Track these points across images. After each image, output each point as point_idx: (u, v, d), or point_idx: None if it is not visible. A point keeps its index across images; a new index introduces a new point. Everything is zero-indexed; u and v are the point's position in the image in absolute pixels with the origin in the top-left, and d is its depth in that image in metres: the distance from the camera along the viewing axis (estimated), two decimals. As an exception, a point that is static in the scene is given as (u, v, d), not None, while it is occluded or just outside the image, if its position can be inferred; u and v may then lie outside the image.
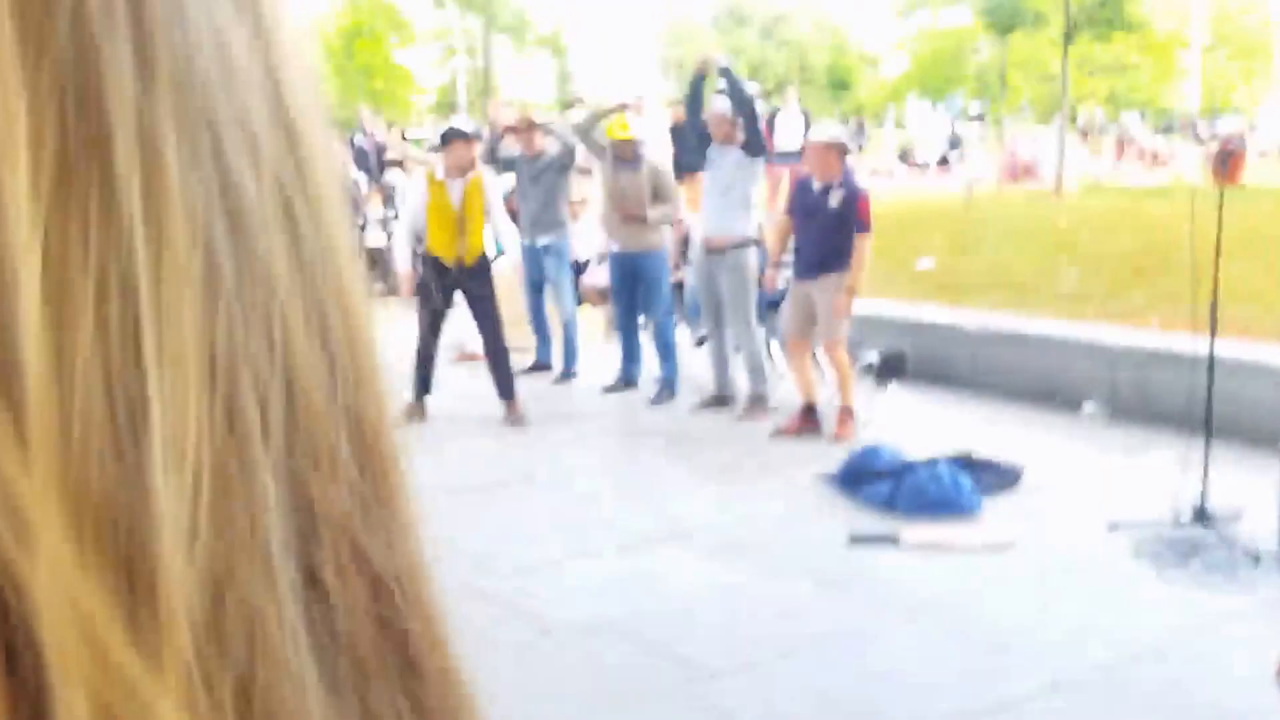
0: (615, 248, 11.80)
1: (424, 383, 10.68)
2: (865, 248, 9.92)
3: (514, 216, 13.57)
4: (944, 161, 38.71)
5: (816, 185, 10.06)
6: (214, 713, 0.30)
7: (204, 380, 0.31)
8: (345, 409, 0.36)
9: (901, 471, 8.24)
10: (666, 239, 12.05)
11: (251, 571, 0.31)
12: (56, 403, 0.29)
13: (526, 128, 12.40)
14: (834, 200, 9.87)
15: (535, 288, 12.49)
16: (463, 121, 14.07)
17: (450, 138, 10.86)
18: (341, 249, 0.37)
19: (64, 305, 0.29)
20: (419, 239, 10.87)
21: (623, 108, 12.56)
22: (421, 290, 10.71)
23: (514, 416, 10.57)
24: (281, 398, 0.33)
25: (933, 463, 8.34)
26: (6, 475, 0.28)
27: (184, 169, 0.31)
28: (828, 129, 10.78)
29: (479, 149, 12.36)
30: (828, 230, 9.83)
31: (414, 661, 0.39)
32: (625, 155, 11.45)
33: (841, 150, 10.26)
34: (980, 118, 45.00)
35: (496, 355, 10.75)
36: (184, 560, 0.30)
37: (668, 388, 11.44)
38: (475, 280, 10.56)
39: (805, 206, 10.08)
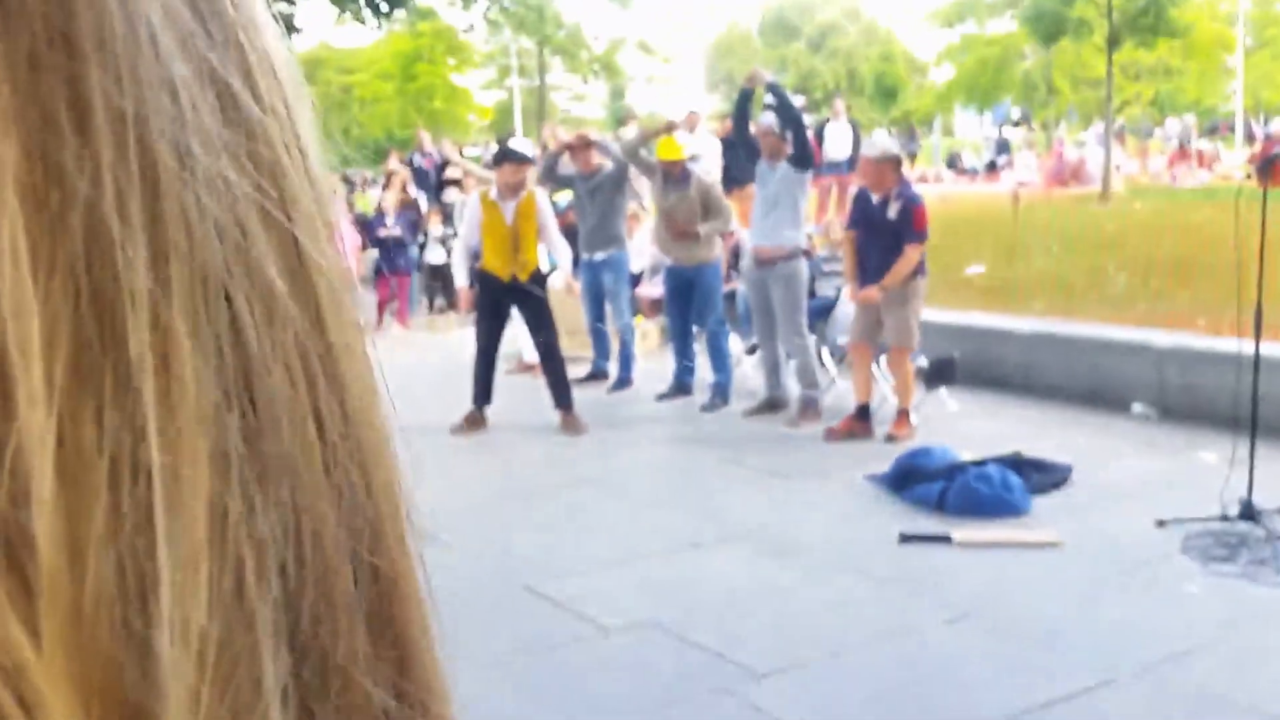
0: (669, 262, 11.85)
1: (484, 393, 10.77)
2: (912, 256, 9.93)
3: (573, 231, 13.67)
4: (992, 167, 38.58)
5: (875, 198, 10.10)
6: None
7: (213, 560, 0.31)
8: (364, 568, 0.36)
9: (951, 472, 8.24)
10: (719, 251, 12.09)
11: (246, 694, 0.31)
12: (68, 586, 0.28)
13: (582, 146, 12.46)
14: (892, 212, 9.90)
15: (594, 300, 12.59)
16: (520, 142, 14.15)
17: (502, 159, 10.94)
18: (368, 412, 0.37)
19: (77, 490, 0.29)
20: (475, 256, 10.95)
21: (671, 128, 12.62)
22: (479, 305, 10.77)
23: (570, 426, 10.61)
24: (295, 570, 0.33)
25: (982, 464, 8.34)
26: (19, 659, 0.28)
27: (197, 357, 0.31)
28: (880, 143, 10.81)
29: (536, 167, 12.48)
30: (888, 241, 9.86)
31: None
32: (674, 174, 11.53)
33: (896, 163, 10.31)
34: (1023, 123, 44.86)
35: (552, 366, 10.81)
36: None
37: (720, 394, 11.47)
38: (530, 295, 10.62)
39: (866, 219, 10.12)
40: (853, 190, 10.25)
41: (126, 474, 0.29)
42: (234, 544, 0.31)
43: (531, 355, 13.15)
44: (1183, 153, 33.20)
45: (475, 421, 10.73)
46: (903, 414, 10.04)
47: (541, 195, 10.92)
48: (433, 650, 0.39)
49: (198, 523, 0.30)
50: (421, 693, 0.37)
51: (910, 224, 9.90)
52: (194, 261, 0.31)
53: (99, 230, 0.29)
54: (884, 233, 9.87)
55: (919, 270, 9.95)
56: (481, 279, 10.75)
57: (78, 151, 0.29)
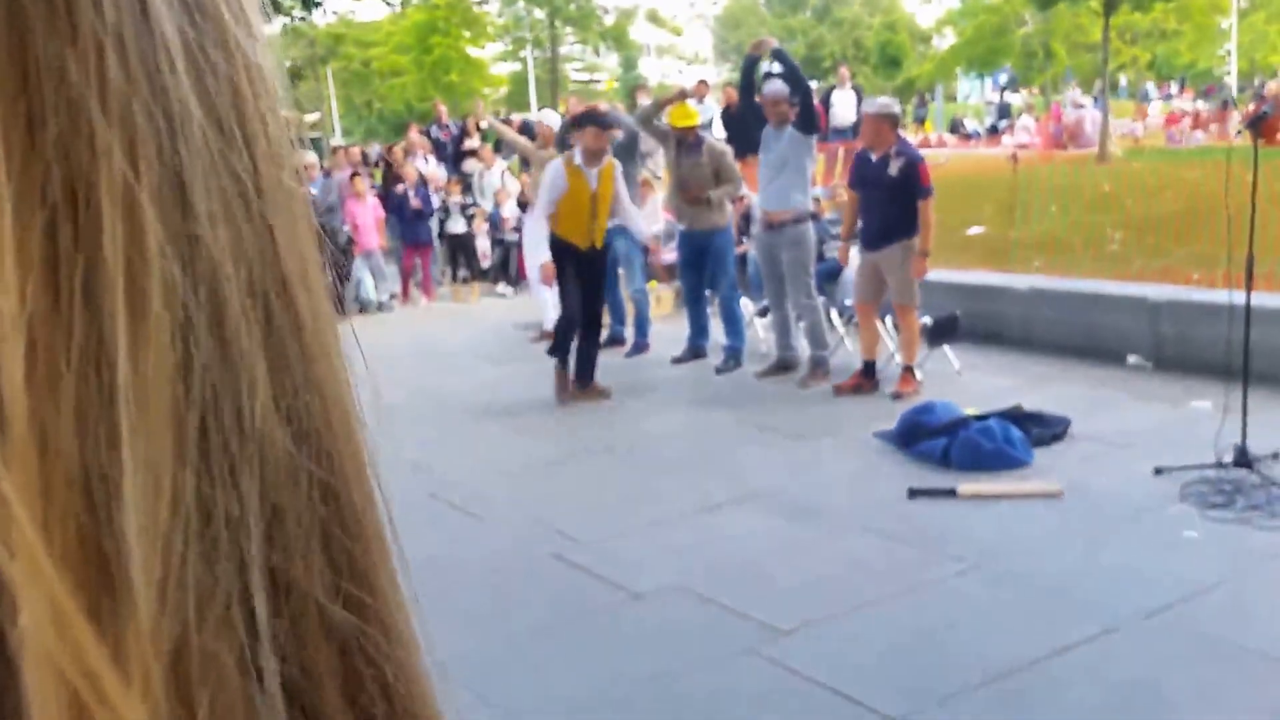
0: (682, 227, 11.83)
1: (566, 353, 10.69)
2: (929, 210, 9.92)
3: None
4: (993, 131, 38.44)
5: (875, 156, 10.07)
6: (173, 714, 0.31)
7: (176, 453, 0.31)
8: (318, 484, 0.35)
9: (954, 428, 8.24)
10: (730, 217, 12.07)
11: (214, 618, 0.32)
12: (36, 465, 0.29)
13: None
14: (894, 169, 9.87)
15: (610, 266, 12.49)
16: (547, 114, 14.13)
17: (586, 122, 10.76)
18: (318, 330, 0.37)
19: (47, 378, 0.29)
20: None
21: (683, 95, 12.59)
22: (561, 274, 10.50)
23: (589, 394, 10.58)
24: (254, 474, 0.33)
25: (984, 418, 8.34)
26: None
27: (168, 257, 0.31)
28: (880, 101, 10.76)
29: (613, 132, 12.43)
30: (891, 198, 9.82)
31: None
32: (688, 141, 11.50)
33: (894, 120, 10.28)
34: (1019, 87, 44.68)
35: (592, 337, 10.73)
36: (153, 603, 0.30)
37: (734, 357, 11.47)
38: (598, 262, 10.59)
39: (866, 178, 10.07)
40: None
41: (93, 369, 0.30)
42: (194, 442, 0.31)
43: (550, 324, 13.21)
44: (1224, 113, 32.57)
45: (563, 380, 10.76)
46: (907, 371, 10.04)
47: (617, 163, 10.76)
48: (393, 585, 0.39)
49: (161, 419, 0.30)
50: (384, 620, 0.37)
51: (918, 181, 9.87)
52: (165, 162, 0.31)
53: (76, 116, 0.30)
54: (884, 190, 9.82)
55: (916, 230, 9.90)
56: (556, 246, 10.55)
57: (60, 51, 0.30)
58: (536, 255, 13.25)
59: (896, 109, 10.57)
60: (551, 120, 13.75)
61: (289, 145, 0.36)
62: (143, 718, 0.30)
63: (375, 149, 22.10)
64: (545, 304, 13.34)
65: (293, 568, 0.34)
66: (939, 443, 8.14)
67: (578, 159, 10.23)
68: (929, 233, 9.89)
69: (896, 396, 9.68)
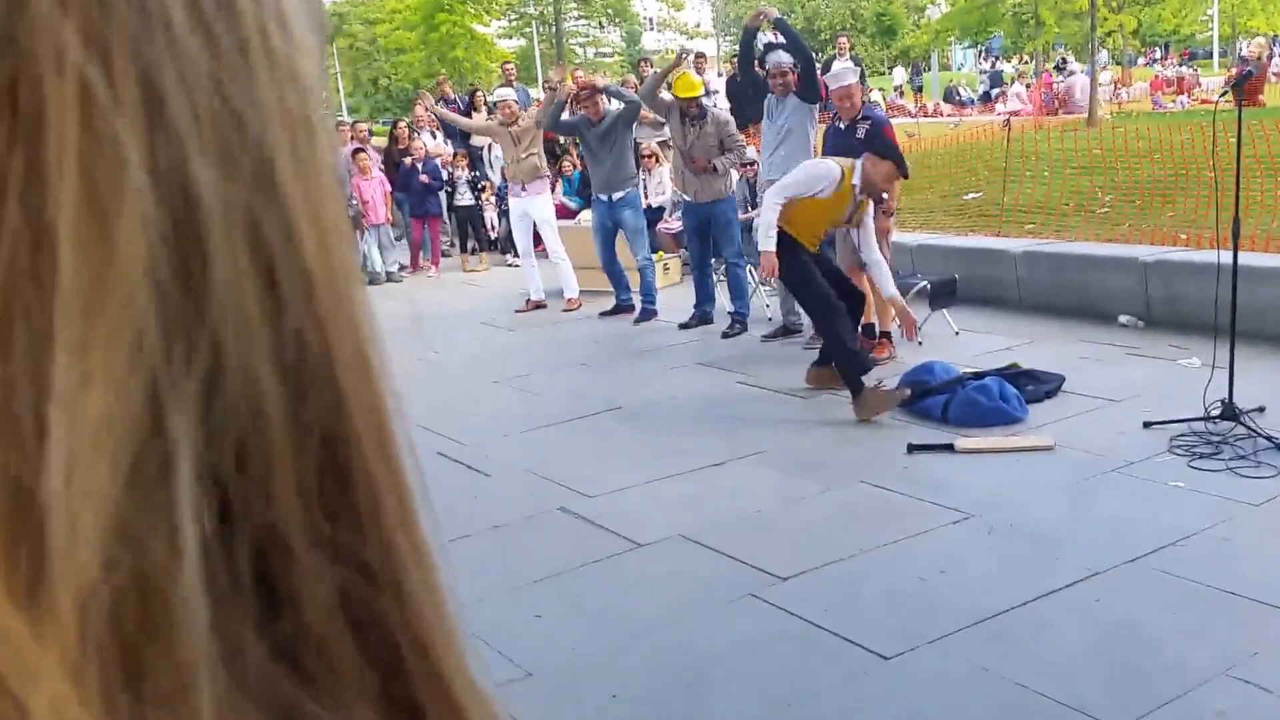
0: (687, 198, 11.86)
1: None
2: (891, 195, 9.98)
3: (587, 175, 13.67)
4: (986, 99, 38.38)
5: (843, 124, 10.10)
6: (100, 678, 0.28)
7: (124, 376, 0.28)
8: (317, 430, 0.33)
9: (953, 386, 8.32)
10: (734, 186, 12.11)
11: (148, 560, 0.29)
12: None
13: (589, 94, 12.43)
14: (861, 132, 9.90)
15: (606, 239, 12.61)
16: (506, 91, 14.15)
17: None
18: (330, 273, 0.33)
19: None
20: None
21: (680, 61, 12.60)
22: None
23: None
24: (226, 410, 0.30)
25: (981, 376, 8.41)
26: None
27: (130, 168, 0.28)
28: (838, 71, 10.74)
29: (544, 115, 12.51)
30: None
31: (384, 667, 0.35)
32: (692, 111, 11.52)
33: (856, 86, 10.30)
34: (1009, 55, 44.58)
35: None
36: (76, 539, 0.28)
37: (739, 322, 11.53)
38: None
39: (837, 147, 10.03)
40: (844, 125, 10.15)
41: (26, 277, 0.27)
42: (150, 372, 0.29)
43: (539, 294, 13.32)
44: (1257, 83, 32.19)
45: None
46: (883, 335, 10.08)
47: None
48: (410, 540, 0.36)
49: (108, 341, 0.28)
50: (387, 568, 0.35)
51: (886, 142, 9.88)
52: (134, 61, 0.28)
53: (24, 6, 0.27)
54: (854, 155, 9.84)
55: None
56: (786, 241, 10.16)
57: None
58: (521, 228, 13.38)
59: (853, 77, 10.53)
60: (507, 95, 13.73)
61: (303, 67, 0.33)
62: (64, 685, 0.27)
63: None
64: (533, 274, 13.45)
65: (272, 520, 0.32)
66: (938, 400, 8.22)
67: (857, 180, 8.90)
68: (895, 194, 9.92)
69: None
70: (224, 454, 0.30)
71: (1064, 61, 35.61)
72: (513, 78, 19.77)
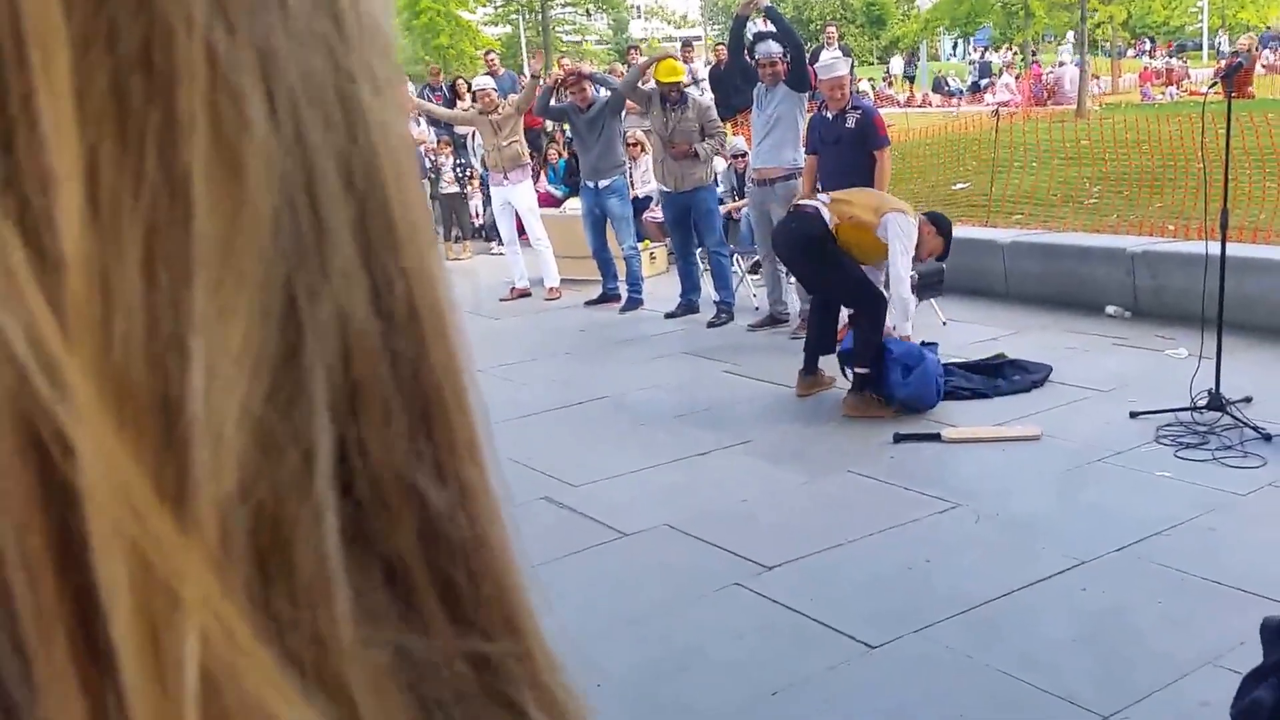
0: (667, 189, 11.87)
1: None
2: (886, 158, 9.99)
3: (573, 163, 13.67)
4: (975, 89, 38.43)
5: (831, 114, 10.10)
6: (242, 577, 0.31)
7: (256, 311, 0.30)
8: (408, 366, 0.35)
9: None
10: (713, 174, 12.11)
11: (283, 473, 0.31)
12: (99, 313, 0.29)
13: (576, 81, 12.45)
14: (851, 121, 9.91)
15: (596, 227, 12.61)
16: (485, 80, 14.15)
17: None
18: (412, 216, 0.35)
19: (111, 226, 0.29)
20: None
21: (662, 57, 12.61)
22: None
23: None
24: (337, 344, 0.33)
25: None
26: (52, 352, 0.28)
27: (261, 121, 0.30)
28: (829, 61, 10.74)
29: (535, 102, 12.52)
30: (851, 151, 9.81)
31: (464, 594, 0.37)
32: (672, 97, 11.54)
33: (847, 77, 10.31)
34: (997, 46, 44.65)
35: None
36: (219, 449, 0.30)
37: (725, 311, 11.55)
38: None
39: (825, 138, 10.05)
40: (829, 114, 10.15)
41: (165, 218, 0.29)
42: (276, 309, 0.31)
43: (523, 281, 13.36)
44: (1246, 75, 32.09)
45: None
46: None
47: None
48: (482, 482, 0.39)
49: (242, 280, 0.30)
50: (469, 509, 0.38)
51: (875, 131, 9.93)
52: (251, 28, 0.30)
53: None
54: (844, 146, 9.81)
55: (873, 184, 9.94)
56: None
57: None
58: (504, 216, 13.41)
59: (844, 67, 10.53)
60: (486, 84, 13.74)
61: (385, 31, 0.35)
62: (210, 578, 0.30)
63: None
64: (517, 262, 13.46)
65: (375, 443, 0.34)
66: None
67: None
68: (885, 180, 9.93)
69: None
70: (341, 390, 0.33)
71: (1060, 64, 35.63)
72: (495, 67, 19.75)
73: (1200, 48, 52.27)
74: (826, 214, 8.34)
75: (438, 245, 0.37)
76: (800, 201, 9.08)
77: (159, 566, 0.29)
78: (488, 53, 22.92)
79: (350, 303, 0.33)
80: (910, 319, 8.45)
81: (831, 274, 8.52)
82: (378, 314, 0.34)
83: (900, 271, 8.28)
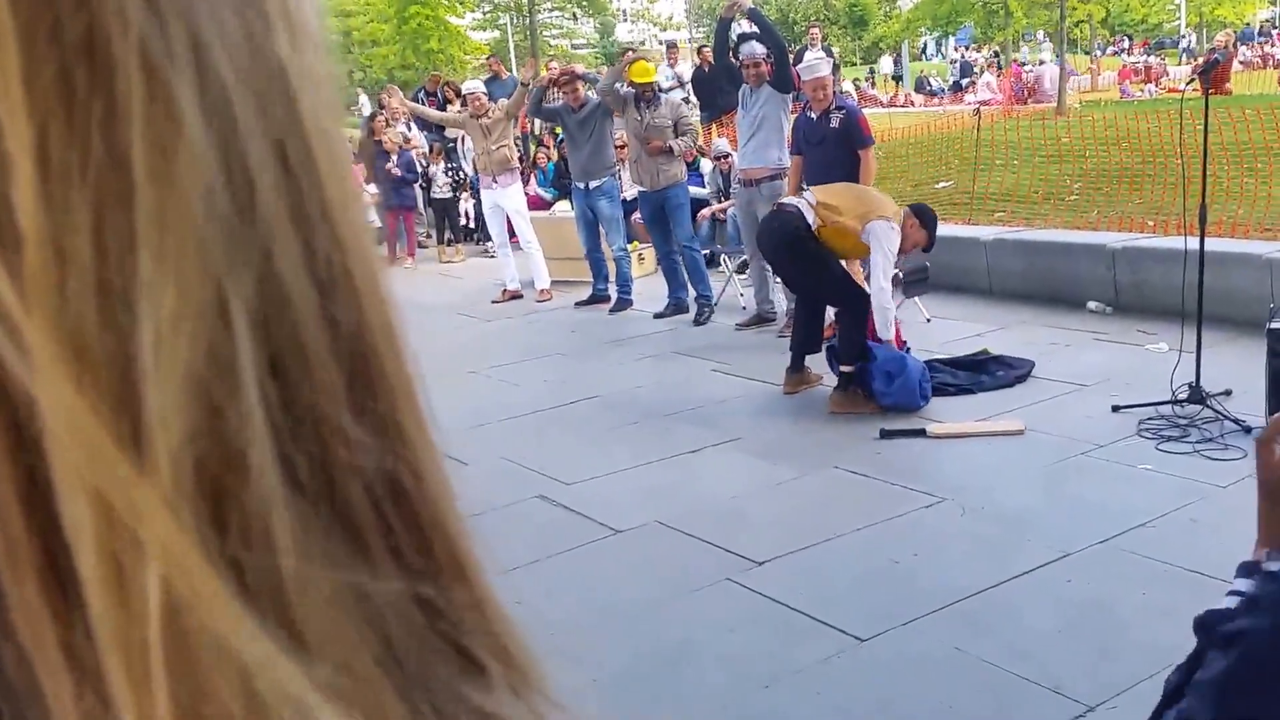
0: (643, 188, 11.90)
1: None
2: (870, 157, 10.00)
3: (562, 166, 13.66)
4: (957, 88, 38.45)
5: (815, 114, 10.11)
6: (192, 518, 0.32)
7: (196, 275, 0.32)
8: (344, 334, 0.37)
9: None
10: (685, 173, 12.11)
11: (226, 424, 0.33)
12: (54, 277, 0.30)
13: (568, 80, 12.46)
14: (835, 121, 9.92)
15: (589, 227, 12.62)
16: (475, 84, 14.18)
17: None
18: (345, 194, 0.37)
19: (62, 198, 0.30)
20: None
21: (631, 53, 12.62)
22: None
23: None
24: (275, 310, 0.34)
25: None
26: (12, 316, 0.30)
27: (192, 107, 0.32)
28: (812, 62, 10.75)
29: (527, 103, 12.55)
30: (835, 151, 9.81)
31: (409, 539, 0.39)
32: (646, 96, 11.61)
33: (830, 77, 10.33)
34: (980, 46, 44.69)
35: None
36: (166, 401, 0.32)
37: (705, 304, 11.59)
38: None
39: (810, 138, 10.06)
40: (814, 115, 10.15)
41: (112, 193, 0.31)
42: (212, 276, 0.33)
43: (514, 283, 13.38)
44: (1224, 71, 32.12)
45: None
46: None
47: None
48: (423, 435, 0.41)
49: (181, 244, 0.32)
50: (410, 462, 0.39)
51: (859, 130, 9.93)
52: (183, 21, 0.32)
53: None
54: (828, 145, 9.81)
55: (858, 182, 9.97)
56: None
57: None
58: (494, 219, 13.44)
59: (827, 68, 10.54)
60: (475, 88, 13.76)
61: (314, 29, 0.37)
62: (166, 518, 0.31)
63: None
64: (508, 264, 13.48)
65: (315, 398, 0.36)
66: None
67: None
68: (869, 178, 9.94)
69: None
70: (277, 347, 0.35)
71: (1041, 63, 35.68)
72: (502, 71, 19.78)
73: (1178, 45, 52.40)
74: (810, 215, 8.35)
75: (371, 225, 0.39)
76: (782, 200, 9.08)
77: (119, 507, 0.31)
78: (491, 56, 22.90)
79: (284, 270, 0.35)
80: (890, 327, 8.46)
81: (814, 272, 8.56)
82: (313, 282, 0.36)
83: (881, 283, 8.28)
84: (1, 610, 0.31)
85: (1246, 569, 1.68)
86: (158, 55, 0.31)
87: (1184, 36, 50.97)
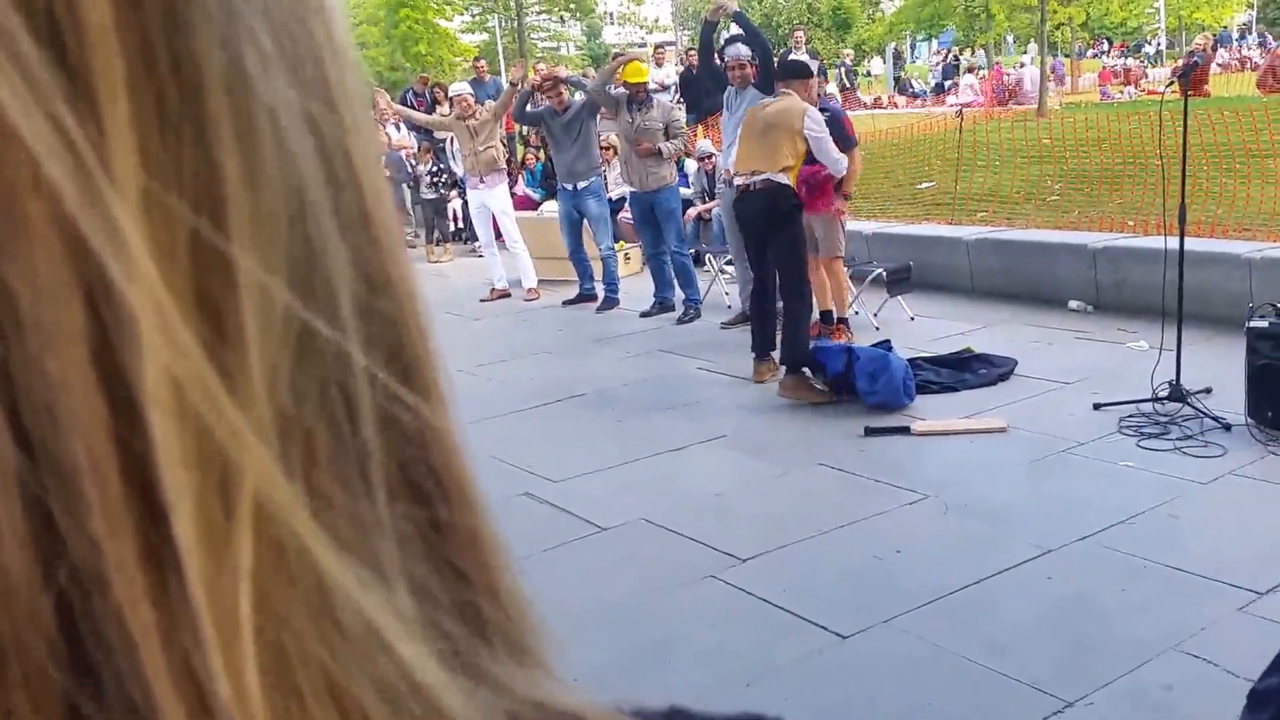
0: (633, 188, 11.87)
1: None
2: (855, 159, 9.97)
3: (549, 166, 13.63)
4: (939, 90, 38.49)
5: None
6: (281, 446, 0.33)
7: (280, 258, 0.34)
8: (381, 315, 0.38)
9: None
10: (675, 175, 12.10)
11: (319, 365, 0.35)
12: (161, 231, 0.31)
13: (552, 84, 12.44)
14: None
15: (573, 228, 12.60)
16: (461, 86, 14.15)
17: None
18: (380, 200, 0.39)
19: (162, 212, 0.31)
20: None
21: (632, 59, 12.60)
22: None
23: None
24: (343, 287, 0.36)
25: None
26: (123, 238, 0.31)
27: (262, 106, 0.34)
28: (797, 64, 10.71)
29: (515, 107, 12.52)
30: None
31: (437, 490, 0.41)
32: (638, 97, 11.57)
33: (814, 79, 10.29)
34: (962, 49, 44.76)
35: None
36: (266, 334, 0.33)
37: (693, 306, 11.59)
38: None
39: None
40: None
41: (204, 195, 0.32)
42: (293, 256, 0.35)
43: (502, 282, 13.37)
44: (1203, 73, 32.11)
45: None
46: (841, 321, 10.10)
47: None
48: (444, 398, 0.42)
49: (268, 230, 0.34)
50: (435, 423, 0.41)
51: (844, 132, 9.90)
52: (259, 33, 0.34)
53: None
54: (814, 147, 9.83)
55: (841, 184, 9.98)
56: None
57: None
58: (481, 219, 13.42)
59: (811, 69, 10.51)
60: (462, 89, 13.75)
61: (337, 6, 0.39)
62: (261, 446, 0.32)
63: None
64: (495, 264, 13.47)
65: (340, 335, 0.37)
66: (836, 362, 8.31)
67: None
68: (853, 180, 9.95)
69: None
70: (311, 286, 0.35)
71: (1021, 65, 35.71)
72: (485, 74, 19.74)
73: (1141, 48, 52.56)
74: (779, 178, 8.73)
75: (400, 226, 0.41)
76: (738, 183, 9.06)
77: (215, 428, 0.31)
78: (478, 59, 22.86)
79: (317, 214, 0.36)
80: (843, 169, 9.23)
81: (787, 244, 8.81)
82: (339, 224, 0.37)
83: (834, 154, 9.11)
84: (86, 527, 0.31)
85: None
86: (238, 78, 0.33)
87: (1148, 41, 51.21)
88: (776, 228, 8.76)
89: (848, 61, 39.55)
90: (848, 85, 33.69)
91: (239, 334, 0.32)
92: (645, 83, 11.76)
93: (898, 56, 48.95)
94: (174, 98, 0.32)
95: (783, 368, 8.78)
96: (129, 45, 0.31)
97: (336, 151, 0.37)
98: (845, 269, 10.36)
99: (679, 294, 11.87)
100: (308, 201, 0.35)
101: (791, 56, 16.28)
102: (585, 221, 12.52)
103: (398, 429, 0.39)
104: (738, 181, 8.98)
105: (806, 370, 8.55)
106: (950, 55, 44.89)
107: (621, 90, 11.73)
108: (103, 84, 0.31)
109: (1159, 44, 49.63)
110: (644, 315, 11.88)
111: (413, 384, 0.40)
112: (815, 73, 10.63)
